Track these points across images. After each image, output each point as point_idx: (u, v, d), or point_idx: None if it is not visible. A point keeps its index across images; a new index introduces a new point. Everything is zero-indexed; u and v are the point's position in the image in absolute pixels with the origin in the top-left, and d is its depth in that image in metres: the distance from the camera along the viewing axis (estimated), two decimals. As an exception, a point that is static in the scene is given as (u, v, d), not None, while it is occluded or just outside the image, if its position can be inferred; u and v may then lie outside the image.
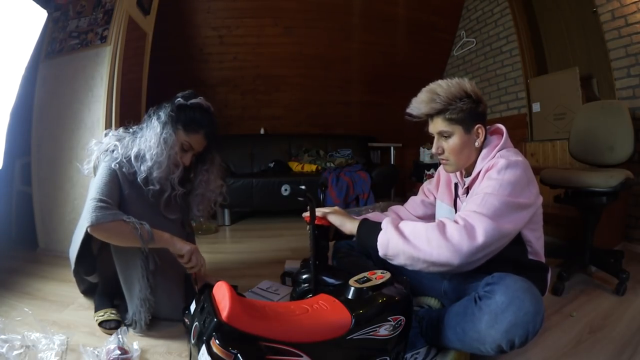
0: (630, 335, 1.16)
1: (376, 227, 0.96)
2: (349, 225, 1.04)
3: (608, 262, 1.62)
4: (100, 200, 1.03)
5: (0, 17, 1.56)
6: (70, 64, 2.00)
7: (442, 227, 0.86)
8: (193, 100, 1.21)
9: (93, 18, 2.03)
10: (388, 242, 0.91)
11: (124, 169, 1.13)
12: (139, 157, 1.14)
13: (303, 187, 0.92)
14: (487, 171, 0.97)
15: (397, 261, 0.91)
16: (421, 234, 0.88)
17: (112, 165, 1.12)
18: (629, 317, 1.29)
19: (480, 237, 0.82)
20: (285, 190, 0.88)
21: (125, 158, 1.14)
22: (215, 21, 3.17)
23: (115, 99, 1.96)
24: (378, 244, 0.93)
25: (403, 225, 0.93)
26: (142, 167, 1.13)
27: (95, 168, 1.16)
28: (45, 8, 1.97)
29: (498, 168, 0.93)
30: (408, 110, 1.05)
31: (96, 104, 1.93)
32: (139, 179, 1.14)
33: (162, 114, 1.17)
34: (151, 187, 1.16)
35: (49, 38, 2.05)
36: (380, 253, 0.93)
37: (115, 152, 1.15)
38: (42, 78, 2.03)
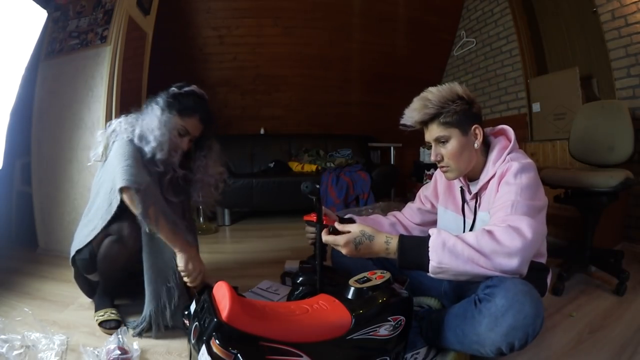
0: (630, 335, 1.16)
1: (421, 238, 0.86)
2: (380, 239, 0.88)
3: (608, 262, 1.62)
4: (131, 166, 1.10)
5: (0, 17, 1.56)
6: (70, 64, 2.01)
7: (489, 234, 0.81)
8: (187, 88, 1.27)
9: (93, 18, 2.03)
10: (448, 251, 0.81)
11: (136, 141, 1.18)
12: (142, 137, 1.18)
13: (318, 185, 0.93)
14: (501, 176, 0.94)
15: (449, 273, 0.82)
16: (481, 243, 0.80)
17: (126, 137, 1.18)
18: (629, 317, 1.29)
19: (528, 233, 0.79)
20: (306, 187, 0.89)
21: (131, 133, 1.19)
22: (215, 21, 3.16)
23: (115, 99, 1.96)
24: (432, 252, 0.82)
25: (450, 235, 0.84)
26: (146, 148, 1.18)
27: (106, 148, 1.21)
28: (45, 8, 1.96)
29: (513, 172, 0.91)
30: (402, 122, 1.03)
31: (96, 104, 1.94)
32: (143, 160, 1.18)
33: (160, 100, 1.23)
34: (155, 168, 1.20)
35: (49, 38, 2.05)
36: (435, 263, 0.82)
37: (122, 125, 1.20)
38: (42, 78, 2.03)
